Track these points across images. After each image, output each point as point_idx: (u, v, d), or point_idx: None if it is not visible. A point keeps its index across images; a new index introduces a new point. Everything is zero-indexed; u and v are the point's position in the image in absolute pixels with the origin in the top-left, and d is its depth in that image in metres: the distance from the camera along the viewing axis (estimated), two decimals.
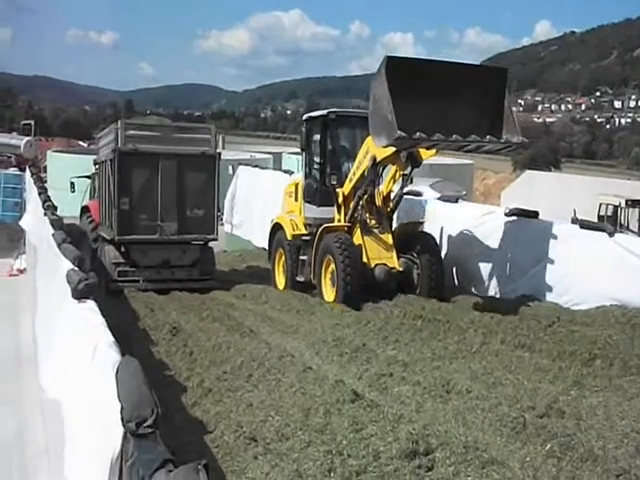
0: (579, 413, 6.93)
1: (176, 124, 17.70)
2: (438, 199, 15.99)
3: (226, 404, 7.46)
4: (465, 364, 8.87)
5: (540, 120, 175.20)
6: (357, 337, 10.24)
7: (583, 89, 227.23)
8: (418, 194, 16.00)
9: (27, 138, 60.95)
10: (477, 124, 11.29)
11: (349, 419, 6.68)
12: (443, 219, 14.58)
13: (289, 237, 14.66)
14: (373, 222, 13.39)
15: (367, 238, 13.20)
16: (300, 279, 14.30)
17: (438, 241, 14.07)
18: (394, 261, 13.04)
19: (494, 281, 13.29)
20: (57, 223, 11.37)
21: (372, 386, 7.97)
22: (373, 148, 12.38)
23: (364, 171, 12.97)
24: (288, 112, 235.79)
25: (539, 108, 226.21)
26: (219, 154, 15.99)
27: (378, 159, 12.53)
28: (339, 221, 13.67)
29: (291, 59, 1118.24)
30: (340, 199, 13.68)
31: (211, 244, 16.12)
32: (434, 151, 12.44)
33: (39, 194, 15.77)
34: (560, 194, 31.58)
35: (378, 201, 13.48)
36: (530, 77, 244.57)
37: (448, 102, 11.12)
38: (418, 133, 10.64)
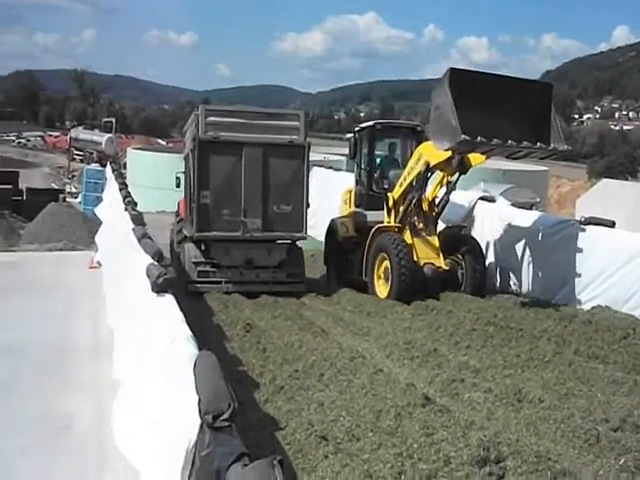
0: None
1: (261, 109, 15.77)
2: (511, 206, 15.82)
3: (298, 402, 7.55)
4: (537, 373, 8.79)
5: (617, 128, 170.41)
6: (428, 341, 10.24)
7: None
8: (492, 200, 15.99)
9: (108, 135, 62.78)
10: (526, 132, 12.11)
11: (420, 423, 6.68)
12: (516, 225, 14.47)
13: (340, 239, 15.70)
14: (421, 225, 14.28)
15: (416, 239, 14.03)
16: (349, 276, 15.22)
17: (510, 247, 14.53)
18: (441, 261, 13.83)
19: (568, 290, 13.10)
20: (137, 218, 11.69)
21: (443, 391, 7.97)
22: (426, 154, 13.42)
23: (415, 176, 13.80)
24: (361, 114, 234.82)
25: (616, 115, 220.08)
26: (309, 144, 14.51)
27: (431, 164, 13.45)
28: (389, 223, 14.49)
29: (365, 62, 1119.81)
30: (390, 203, 14.47)
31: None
32: (483, 158, 13.22)
33: (120, 190, 16.16)
34: (637, 203, 30.78)
35: (425, 206, 14.32)
36: (607, 84, 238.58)
37: (502, 111, 11.99)
38: (479, 137, 11.47)
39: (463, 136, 11.22)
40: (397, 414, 6.93)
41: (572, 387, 8.13)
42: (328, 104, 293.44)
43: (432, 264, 13.70)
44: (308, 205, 14.52)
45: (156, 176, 34.57)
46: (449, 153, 12.71)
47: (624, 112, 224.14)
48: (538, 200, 28.94)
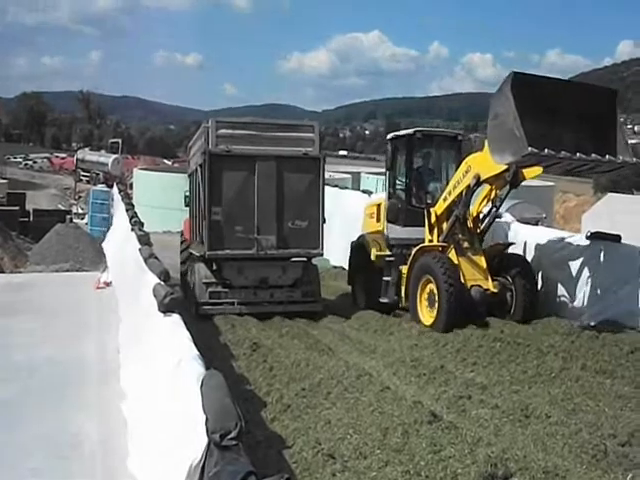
0: None
1: (274, 121, 15.03)
2: (517, 221, 15.75)
3: (305, 420, 7.56)
4: (544, 389, 8.77)
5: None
6: (435, 358, 10.24)
7: None
8: (498, 216, 15.80)
9: (114, 156, 63.09)
10: (591, 143, 11.02)
11: (427, 440, 6.69)
12: (522, 241, 14.41)
13: (373, 257, 14.28)
14: (466, 243, 13.17)
15: (461, 259, 12.91)
16: (384, 300, 14.00)
17: None
18: (489, 283, 12.72)
19: (575, 305, 13.04)
20: (144, 238, 11.73)
21: (450, 408, 7.96)
22: (476, 166, 12.30)
23: (463, 190, 12.75)
24: (367, 132, 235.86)
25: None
26: (324, 156, 14.04)
27: (482, 178, 12.37)
28: (430, 241, 13.40)
29: (370, 79, 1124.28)
30: (433, 219, 13.39)
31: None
32: (540, 170, 12.08)
33: (126, 210, 16.22)
34: None
35: (469, 222, 13.30)
36: None
37: (566, 120, 10.94)
38: (546, 150, 10.35)
39: (530, 148, 10.12)
40: (404, 431, 6.94)
41: (579, 402, 8.12)
42: (333, 122, 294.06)
43: (479, 286, 12.56)
44: (324, 220, 13.89)
45: (162, 196, 34.66)
46: (505, 166, 11.64)
47: (629, 126, 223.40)
48: (544, 216, 28.83)
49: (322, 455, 6.45)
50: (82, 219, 38.29)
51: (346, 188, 25.76)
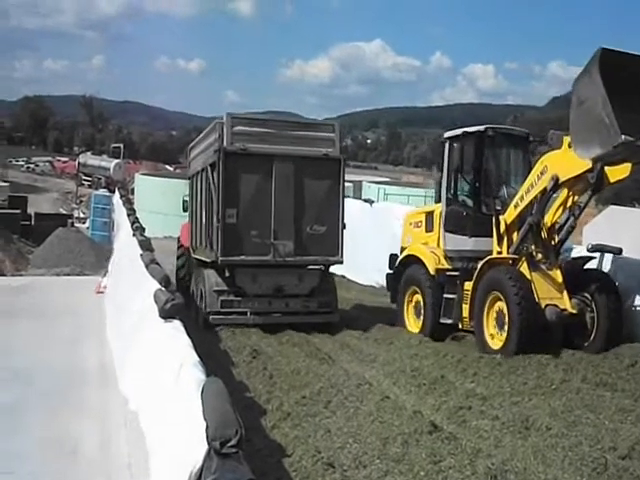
0: None
1: (293, 119, 14.20)
2: None
3: (304, 429, 7.53)
4: (545, 400, 8.73)
5: None
6: (435, 368, 10.20)
7: None
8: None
9: (116, 160, 63.28)
10: None
11: (427, 450, 6.66)
12: None
13: (432, 272, 12.76)
14: (540, 256, 11.69)
15: (535, 274, 11.38)
16: (446, 321, 12.56)
17: None
18: (566, 302, 11.20)
19: None
20: (145, 244, 11.71)
21: (450, 418, 7.92)
22: (554, 166, 10.90)
23: (537, 195, 11.36)
24: (368, 141, 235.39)
25: None
26: (345, 158, 13.32)
27: (561, 179, 10.86)
28: (499, 253, 11.95)
29: (372, 89, 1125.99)
30: (502, 228, 11.94)
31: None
32: (628, 170, 9.99)
33: (128, 215, 16.22)
34: None
35: (544, 232, 11.71)
36: None
37: None
38: None
39: (624, 137, 8.65)
40: (404, 441, 6.91)
41: (580, 415, 8.07)
42: None
43: (555, 306, 11.00)
44: (344, 226, 13.18)
45: (163, 202, 34.70)
46: (588, 165, 10.06)
47: None
48: None
49: (321, 464, 6.42)
50: (83, 223, 38.41)
51: (347, 197, 25.76)
